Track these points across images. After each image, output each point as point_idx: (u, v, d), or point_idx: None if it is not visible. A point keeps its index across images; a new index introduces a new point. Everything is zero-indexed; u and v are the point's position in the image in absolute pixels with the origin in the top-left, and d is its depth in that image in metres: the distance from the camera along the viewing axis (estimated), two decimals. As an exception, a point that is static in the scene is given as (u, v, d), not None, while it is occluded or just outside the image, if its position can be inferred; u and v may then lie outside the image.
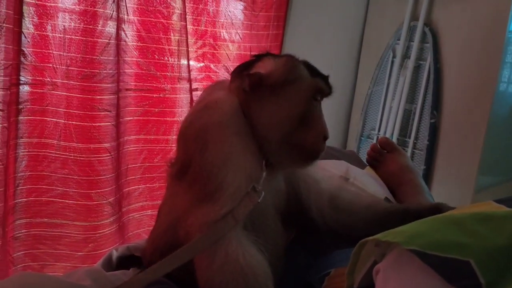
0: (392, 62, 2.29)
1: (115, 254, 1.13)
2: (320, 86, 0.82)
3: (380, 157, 1.32)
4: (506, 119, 2.35)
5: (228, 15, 1.77)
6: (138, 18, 1.52)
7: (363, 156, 2.24)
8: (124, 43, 1.49)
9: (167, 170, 0.89)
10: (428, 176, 2.21)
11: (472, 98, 2.09)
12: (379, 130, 2.35)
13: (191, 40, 1.68)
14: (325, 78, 0.84)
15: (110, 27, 1.40)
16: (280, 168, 0.86)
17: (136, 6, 1.50)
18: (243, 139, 0.79)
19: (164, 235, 0.86)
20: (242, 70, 0.84)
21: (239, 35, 1.83)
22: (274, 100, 0.79)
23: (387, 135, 2.27)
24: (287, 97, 0.79)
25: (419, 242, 0.52)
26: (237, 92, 0.81)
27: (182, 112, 1.66)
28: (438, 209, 0.89)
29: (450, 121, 2.15)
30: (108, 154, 1.46)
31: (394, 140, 2.24)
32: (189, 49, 1.66)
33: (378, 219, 0.92)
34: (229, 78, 0.88)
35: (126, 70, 1.52)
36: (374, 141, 2.36)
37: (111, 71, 1.42)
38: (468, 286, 0.47)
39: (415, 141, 2.24)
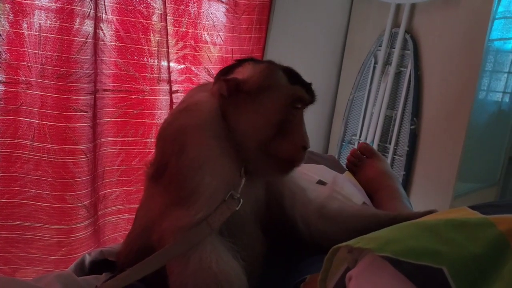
0: (374, 68, 2.30)
1: (87, 258, 1.10)
2: (299, 94, 0.79)
3: (360, 162, 1.32)
4: (484, 127, 2.39)
5: (210, 17, 1.76)
6: (117, 17, 1.49)
7: (345, 161, 2.25)
8: (102, 42, 1.46)
9: (145, 172, 0.87)
10: (407, 181, 2.22)
11: (452, 105, 2.11)
12: (360, 136, 2.36)
13: (171, 41, 1.66)
14: (306, 86, 0.81)
15: (88, 26, 1.37)
16: (259, 175, 0.84)
17: (115, 5, 1.47)
18: (222, 143, 0.77)
19: (139, 239, 0.84)
20: (223, 74, 0.82)
21: (221, 38, 1.81)
22: (250, 107, 0.77)
23: (368, 141, 2.28)
24: (262, 104, 0.77)
25: (392, 248, 0.51)
26: (217, 95, 0.79)
27: (161, 114, 1.63)
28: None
29: (429, 128, 2.17)
30: (84, 156, 1.42)
31: (375, 146, 2.25)
32: (170, 51, 1.64)
33: (367, 227, 0.90)
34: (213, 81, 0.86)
35: (104, 70, 1.49)
36: (355, 146, 2.37)
37: (87, 71, 1.38)
38: None
39: (395, 147, 2.25)
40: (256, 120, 0.77)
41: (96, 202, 1.54)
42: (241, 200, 0.77)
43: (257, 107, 0.77)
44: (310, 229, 0.92)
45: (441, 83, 2.12)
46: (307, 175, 1.15)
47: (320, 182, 1.13)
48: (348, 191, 1.15)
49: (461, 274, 0.47)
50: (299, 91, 0.79)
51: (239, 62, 0.84)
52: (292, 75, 0.81)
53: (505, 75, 2.51)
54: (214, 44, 1.81)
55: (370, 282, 0.52)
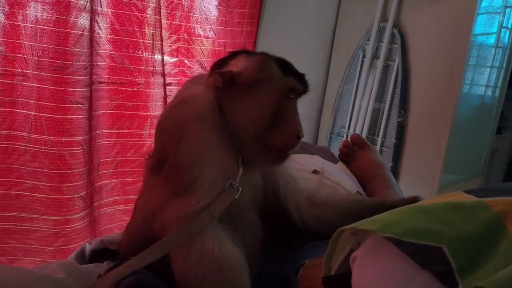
0: (362, 62, 2.34)
1: (88, 248, 1.12)
2: (292, 85, 0.82)
3: (352, 153, 1.36)
4: (469, 120, 2.45)
5: (203, 10, 1.77)
6: (112, 10, 1.50)
7: (334, 153, 2.29)
8: (98, 35, 1.47)
9: (144, 163, 0.89)
10: (395, 173, 2.28)
11: (438, 98, 2.17)
12: (348, 128, 2.40)
13: (165, 34, 1.68)
14: (299, 77, 0.84)
15: (84, 19, 1.37)
16: (255, 165, 0.87)
17: (110, -2, 1.48)
18: (219, 134, 0.79)
19: (140, 228, 0.87)
20: (217, 67, 0.84)
21: (214, 31, 1.83)
22: (245, 99, 0.80)
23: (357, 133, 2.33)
24: (257, 96, 0.80)
25: (394, 230, 0.54)
26: (213, 88, 0.82)
27: (155, 106, 1.65)
28: (415, 201, 0.92)
29: (416, 120, 2.23)
30: (80, 148, 1.44)
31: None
32: (163, 44, 1.66)
33: (355, 212, 0.94)
34: (207, 73, 0.89)
35: (99, 63, 1.50)
36: (344, 138, 2.41)
37: (84, 63, 1.39)
38: (441, 271, 0.49)
39: (383, 139, 2.30)
40: (251, 111, 0.80)
41: (92, 193, 1.55)
42: (240, 189, 0.80)
43: (251, 99, 0.80)
44: (302, 216, 0.96)
45: (428, 77, 2.18)
46: (303, 165, 1.18)
47: (315, 172, 1.17)
48: (340, 179, 1.19)
49: (459, 252, 0.50)
50: (292, 82, 0.82)
51: (233, 54, 0.86)
52: (285, 66, 0.83)
53: (488, 69, 2.58)
54: (207, 37, 1.83)
55: (374, 261, 0.56)
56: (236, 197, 0.79)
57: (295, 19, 2.24)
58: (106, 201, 1.64)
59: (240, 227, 0.84)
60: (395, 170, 2.27)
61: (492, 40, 2.53)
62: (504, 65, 2.70)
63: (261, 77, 0.80)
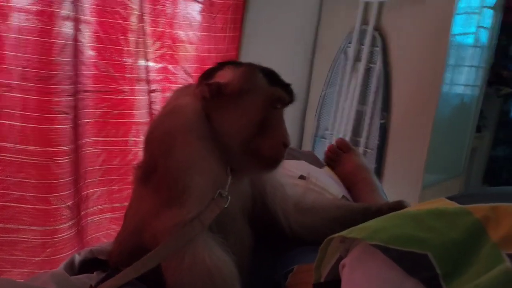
0: (344, 65, 2.37)
1: (77, 258, 1.12)
2: (278, 95, 0.84)
3: (337, 157, 1.38)
4: (449, 120, 2.50)
5: (186, 16, 1.78)
6: (95, 18, 1.50)
7: (318, 155, 2.32)
8: (82, 44, 1.47)
9: (133, 173, 0.90)
10: (378, 173, 2.31)
11: (419, 99, 2.21)
12: (332, 130, 2.43)
13: (149, 41, 1.68)
14: (285, 86, 0.86)
15: (67, 28, 1.38)
16: (243, 174, 0.88)
17: (93, 6, 1.48)
18: (207, 144, 0.80)
19: (131, 238, 0.87)
20: (205, 78, 0.85)
21: (197, 37, 1.84)
22: (232, 109, 0.81)
23: (340, 135, 2.36)
24: (244, 107, 0.81)
25: (381, 237, 0.56)
26: (200, 98, 0.83)
27: (141, 114, 1.65)
28: (399, 206, 0.94)
29: (398, 121, 2.26)
30: (67, 157, 1.44)
31: (347, 140, 2.32)
32: (148, 50, 1.66)
33: (341, 217, 0.96)
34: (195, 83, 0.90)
35: (84, 72, 1.50)
36: (328, 141, 2.44)
37: (68, 73, 1.39)
38: (427, 278, 0.51)
39: (366, 141, 2.33)
40: (238, 121, 0.81)
41: (79, 202, 1.55)
42: (229, 198, 0.81)
43: (238, 109, 0.81)
44: (290, 222, 0.97)
45: (409, 78, 2.22)
46: (290, 170, 1.20)
47: (302, 177, 1.18)
48: (327, 184, 1.21)
49: (444, 258, 0.52)
50: (278, 92, 0.84)
51: (221, 65, 0.87)
52: (271, 76, 0.85)
53: (467, 68, 2.63)
54: (191, 43, 1.84)
55: (362, 269, 0.58)
56: (225, 206, 0.81)
57: (278, 23, 2.26)
58: (93, 209, 1.64)
59: (229, 235, 0.85)
60: (379, 171, 2.31)
61: (470, 39, 2.58)
62: (483, 64, 2.76)
63: (247, 87, 0.82)
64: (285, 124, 0.86)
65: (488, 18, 2.68)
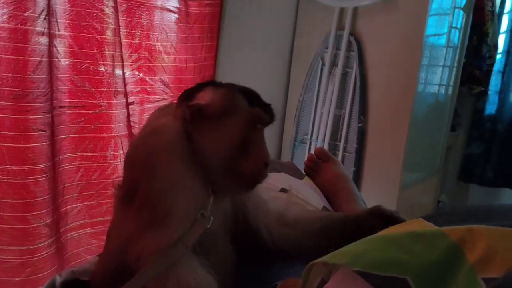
0: (321, 70, 2.39)
1: (58, 280, 1.11)
2: (258, 115, 0.85)
3: (317, 167, 1.39)
4: (425, 119, 2.54)
5: (163, 28, 1.77)
6: (70, 33, 1.48)
7: (298, 160, 2.34)
8: (57, 59, 1.45)
9: (114, 193, 0.90)
10: (358, 177, 2.34)
11: (395, 101, 2.25)
12: (311, 135, 2.45)
13: (126, 53, 1.67)
14: (265, 107, 0.87)
15: (42, 45, 1.35)
16: (224, 193, 0.89)
17: (68, 21, 1.46)
18: (189, 165, 0.81)
19: (114, 259, 0.87)
20: (185, 99, 0.85)
21: (174, 48, 1.83)
22: (213, 130, 0.82)
23: (319, 140, 2.38)
24: (224, 127, 0.82)
25: (362, 262, 0.58)
26: (181, 119, 0.83)
27: (119, 127, 1.64)
28: (376, 210, 0.96)
29: (376, 124, 2.30)
30: (44, 175, 1.41)
31: (326, 144, 2.35)
32: (124, 63, 1.65)
33: (323, 228, 0.98)
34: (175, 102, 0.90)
35: (59, 87, 1.48)
36: (307, 145, 2.47)
37: (44, 90, 1.37)
38: None
39: (345, 145, 2.36)
40: (220, 142, 0.82)
41: (58, 219, 1.53)
42: (211, 218, 0.82)
43: (219, 130, 0.82)
44: (273, 237, 0.98)
45: (385, 81, 2.26)
46: (271, 184, 1.21)
47: (283, 190, 1.19)
48: (308, 196, 1.22)
49: (422, 281, 0.54)
50: (258, 113, 0.85)
51: (200, 86, 0.88)
52: (251, 97, 0.86)
53: (440, 68, 2.69)
54: (168, 54, 1.83)
55: (345, 293, 0.59)
56: (208, 226, 0.81)
57: (254, 30, 2.27)
58: (72, 225, 1.62)
59: (212, 254, 0.86)
60: (358, 174, 2.34)
61: (443, 40, 2.63)
62: (456, 64, 2.82)
63: (228, 109, 0.83)
64: (265, 143, 0.87)
65: (459, 19, 2.74)
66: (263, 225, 0.98)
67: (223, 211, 0.91)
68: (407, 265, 0.56)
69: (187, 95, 0.87)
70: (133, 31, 1.67)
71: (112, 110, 1.62)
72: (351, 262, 0.58)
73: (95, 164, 1.62)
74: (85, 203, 1.64)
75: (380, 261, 0.57)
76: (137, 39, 1.70)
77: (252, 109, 0.84)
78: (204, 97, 0.84)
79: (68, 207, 1.59)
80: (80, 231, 1.65)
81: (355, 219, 0.98)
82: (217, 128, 0.82)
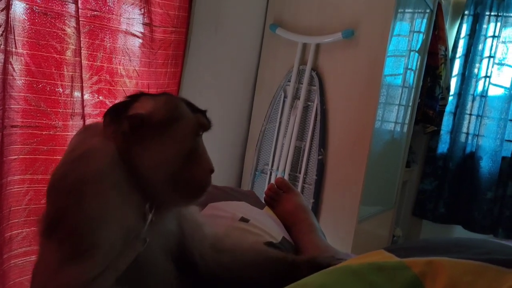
0: (284, 102, 2.43)
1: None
2: (202, 121, 0.84)
3: (277, 197, 1.39)
4: (382, 154, 2.62)
5: (126, 52, 1.75)
6: (28, 51, 1.43)
7: (258, 190, 2.33)
8: (12, 77, 1.39)
9: (37, 226, 0.82)
10: (317, 208, 2.36)
11: (354, 136, 2.31)
12: (272, 165, 2.46)
13: (86, 75, 1.62)
14: (204, 113, 0.86)
15: (-4, 61, 1.30)
16: (168, 208, 0.85)
17: (26, 39, 1.41)
18: (122, 190, 0.76)
19: None
20: (118, 113, 0.80)
21: (137, 72, 1.81)
22: (158, 140, 0.78)
23: (280, 171, 2.39)
24: (172, 136, 0.79)
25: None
26: (113, 137, 0.77)
27: (74, 150, 1.57)
28: (312, 260, 0.95)
29: (335, 157, 2.34)
30: (-11, 198, 1.33)
31: (286, 175, 2.36)
32: (84, 85, 1.60)
33: (258, 262, 0.95)
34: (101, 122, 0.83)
35: (12, 106, 1.41)
36: (268, 175, 2.47)
37: (-4, 108, 1.31)
38: None
39: (304, 176, 2.38)
40: (166, 152, 0.78)
41: (2, 245, 1.43)
42: (147, 240, 0.77)
43: (165, 139, 0.78)
44: (207, 262, 0.95)
45: (344, 116, 2.32)
46: (231, 213, 1.18)
47: (243, 219, 1.17)
48: (268, 226, 1.20)
49: None
50: (201, 119, 0.84)
51: (132, 98, 0.82)
52: (190, 105, 0.85)
53: (396, 106, 2.79)
54: (130, 78, 1.80)
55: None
56: (142, 249, 0.77)
57: (219, 60, 2.28)
58: (16, 252, 1.52)
59: (151, 276, 0.82)
60: (317, 205, 2.36)
61: (399, 80, 2.75)
62: (411, 103, 2.94)
63: (174, 116, 0.80)
64: (206, 151, 0.86)
65: (414, 61, 2.88)
66: (196, 250, 0.94)
67: (164, 231, 0.87)
68: (369, 298, 0.55)
69: (119, 109, 0.80)
70: (95, 53, 1.64)
71: (68, 132, 1.55)
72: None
73: (45, 188, 1.53)
74: (32, 228, 1.54)
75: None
76: (98, 61, 1.66)
77: (195, 115, 0.83)
78: (144, 107, 0.78)
79: (13, 232, 1.49)
80: (24, 258, 1.54)
81: (291, 263, 0.96)
82: (162, 138, 0.78)
